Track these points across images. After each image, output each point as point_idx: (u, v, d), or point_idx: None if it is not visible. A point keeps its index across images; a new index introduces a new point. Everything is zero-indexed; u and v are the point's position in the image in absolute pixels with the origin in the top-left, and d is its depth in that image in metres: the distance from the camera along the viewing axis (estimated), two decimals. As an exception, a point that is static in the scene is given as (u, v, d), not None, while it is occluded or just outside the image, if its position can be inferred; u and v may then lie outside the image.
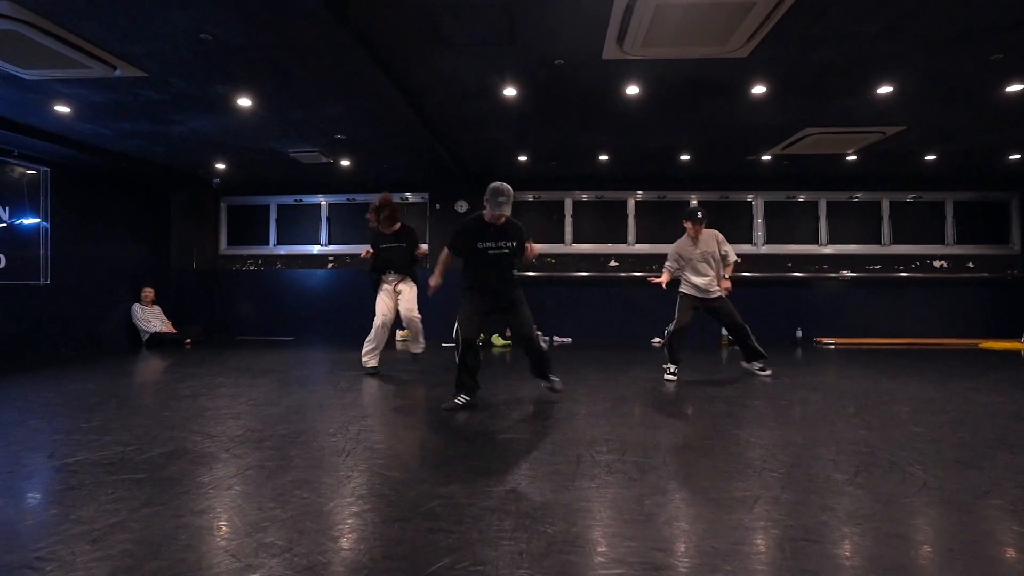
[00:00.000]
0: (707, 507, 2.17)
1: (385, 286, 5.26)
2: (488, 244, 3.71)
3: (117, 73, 4.07)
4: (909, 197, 8.53)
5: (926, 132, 5.72)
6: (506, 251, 3.72)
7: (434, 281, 3.89)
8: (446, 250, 3.88)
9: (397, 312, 5.29)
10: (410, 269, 5.27)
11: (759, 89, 4.52)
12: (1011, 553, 1.84)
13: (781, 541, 1.89)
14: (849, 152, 6.65)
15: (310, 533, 1.94)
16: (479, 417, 3.56)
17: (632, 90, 4.56)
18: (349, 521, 2.04)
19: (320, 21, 3.13)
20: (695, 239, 4.95)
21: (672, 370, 4.94)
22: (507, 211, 3.62)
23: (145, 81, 4.28)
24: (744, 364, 5.24)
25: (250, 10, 3.06)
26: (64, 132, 5.70)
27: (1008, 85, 4.39)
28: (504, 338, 7.99)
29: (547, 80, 4.37)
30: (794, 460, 2.75)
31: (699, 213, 4.96)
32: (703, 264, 4.92)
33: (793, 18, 3.29)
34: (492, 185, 3.60)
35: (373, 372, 5.27)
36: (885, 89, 4.48)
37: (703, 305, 4.97)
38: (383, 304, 5.23)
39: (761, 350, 5.02)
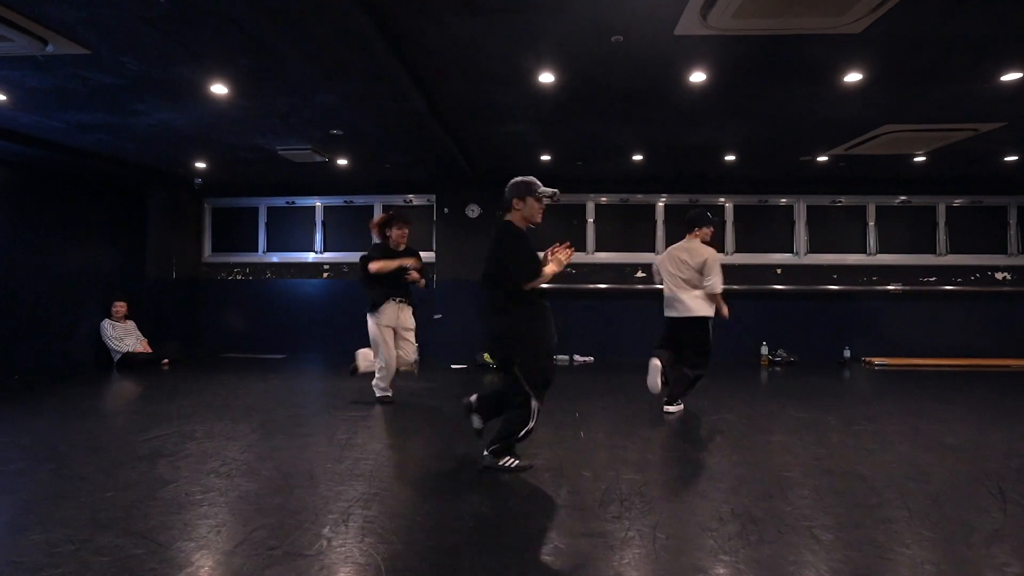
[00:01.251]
0: None
1: (383, 318, 4.53)
2: None
3: (50, 49, 3.18)
4: (957, 201, 7.67)
5: (1024, 129, 4.89)
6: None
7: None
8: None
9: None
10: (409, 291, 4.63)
11: (854, 76, 3.67)
12: None
13: None
14: (919, 152, 5.81)
15: None
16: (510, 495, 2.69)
17: (697, 77, 3.70)
18: None
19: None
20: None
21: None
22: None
23: (89, 60, 3.40)
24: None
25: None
26: (6, 124, 4.79)
27: None
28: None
29: (596, 62, 3.50)
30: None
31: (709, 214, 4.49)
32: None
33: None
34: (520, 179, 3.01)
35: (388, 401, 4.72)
36: (1012, 76, 3.63)
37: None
38: (383, 343, 4.58)
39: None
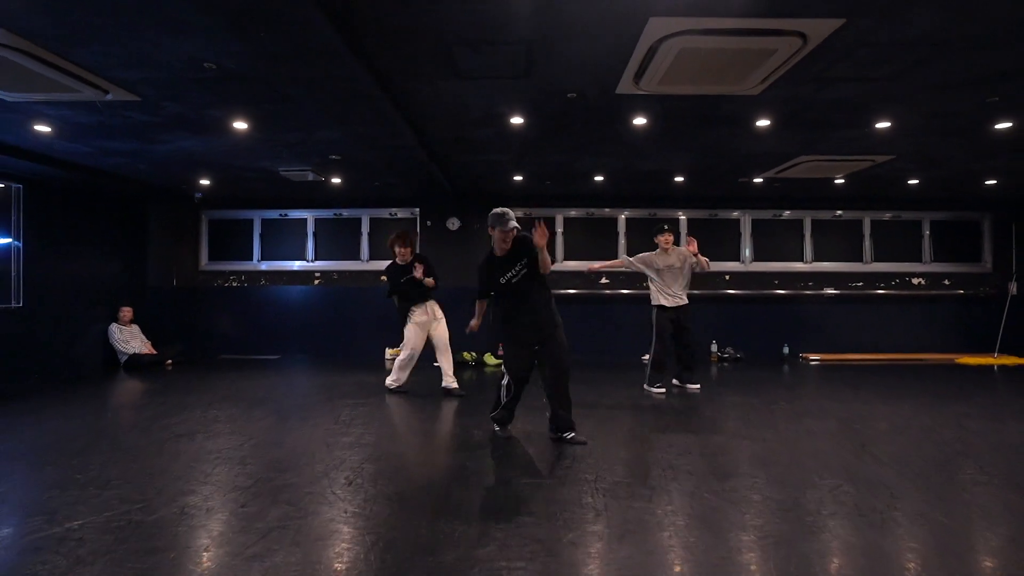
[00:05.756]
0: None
1: (415, 318, 5.41)
2: (508, 274, 3.70)
3: (108, 97, 3.86)
4: (887, 216, 8.79)
5: (914, 160, 5.90)
6: (525, 271, 3.71)
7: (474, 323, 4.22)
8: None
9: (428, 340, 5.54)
10: (430, 294, 5.43)
11: (763, 122, 4.58)
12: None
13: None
14: (837, 176, 6.81)
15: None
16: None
17: (639, 121, 4.56)
18: None
19: (337, 59, 3.02)
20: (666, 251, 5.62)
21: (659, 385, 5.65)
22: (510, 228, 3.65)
23: (137, 105, 4.08)
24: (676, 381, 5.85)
25: (263, 46, 2.93)
26: (41, 150, 5.40)
27: (998, 123, 4.55)
28: (497, 356, 7.92)
29: (556, 110, 4.33)
30: (818, 507, 2.76)
31: (665, 225, 5.62)
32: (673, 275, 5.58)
33: (811, 62, 3.33)
34: (494, 211, 3.68)
35: (402, 391, 5.54)
36: (883, 124, 4.59)
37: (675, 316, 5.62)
38: (415, 337, 5.42)
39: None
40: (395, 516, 2.67)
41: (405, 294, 5.38)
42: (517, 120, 4.55)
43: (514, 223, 3.63)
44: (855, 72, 3.53)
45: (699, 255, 5.55)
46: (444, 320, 5.50)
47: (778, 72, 3.48)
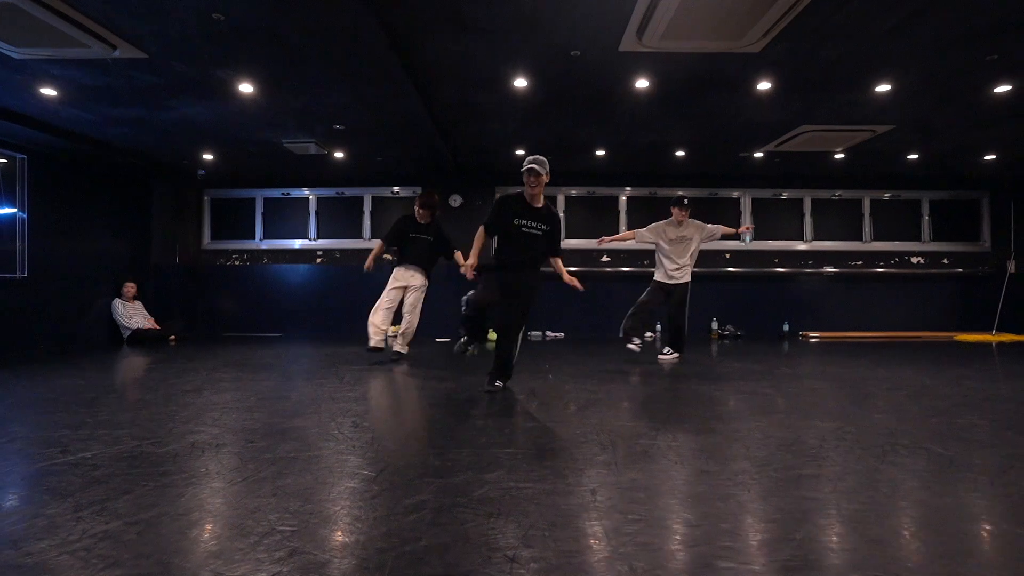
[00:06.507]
0: (756, 488, 2.20)
1: (398, 274, 5.40)
2: (523, 223, 3.74)
3: (116, 54, 3.89)
4: (887, 195, 8.84)
5: (913, 131, 5.94)
6: (538, 233, 3.78)
7: (470, 262, 3.94)
8: (481, 229, 3.88)
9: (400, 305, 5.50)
10: (429, 265, 5.42)
11: (764, 85, 4.62)
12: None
13: (838, 518, 1.93)
14: (837, 150, 6.85)
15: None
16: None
17: (641, 84, 4.60)
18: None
19: (349, 7, 3.05)
20: (679, 223, 5.60)
21: (637, 342, 5.60)
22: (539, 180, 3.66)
23: (144, 63, 4.11)
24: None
25: (273, -10, 2.96)
26: (46, 117, 5.42)
27: (997, 86, 4.60)
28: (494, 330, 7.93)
29: (559, 71, 4.37)
30: (820, 442, 2.81)
31: (685, 200, 5.61)
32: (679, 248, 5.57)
33: (812, 12, 3.37)
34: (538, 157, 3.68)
35: (376, 350, 5.50)
36: (883, 87, 4.63)
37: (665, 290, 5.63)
38: (391, 295, 5.41)
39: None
40: (403, 449, 2.71)
41: (400, 249, 5.42)
42: (521, 83, 4.59)
43: (536, 168, 3.62)
44: (852, 25, 3.57)
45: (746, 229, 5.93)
46: (422, 290, 5.48)
47: (779, 25, 3.52)
